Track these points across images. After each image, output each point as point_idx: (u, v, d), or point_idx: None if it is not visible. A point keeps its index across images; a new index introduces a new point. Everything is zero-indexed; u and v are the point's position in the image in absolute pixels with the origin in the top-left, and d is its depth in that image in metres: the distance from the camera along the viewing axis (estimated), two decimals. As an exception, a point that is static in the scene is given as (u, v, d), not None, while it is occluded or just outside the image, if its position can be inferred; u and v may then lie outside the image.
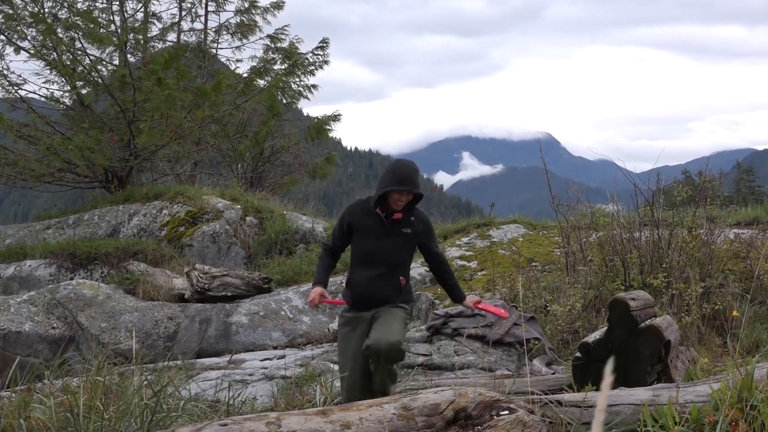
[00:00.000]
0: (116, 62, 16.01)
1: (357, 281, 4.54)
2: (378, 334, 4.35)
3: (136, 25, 16.28)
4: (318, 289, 4.53)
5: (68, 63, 14.41)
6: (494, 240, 11.66)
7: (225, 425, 3.22)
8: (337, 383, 5.40)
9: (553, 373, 6.19)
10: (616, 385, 4.60)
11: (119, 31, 15.59)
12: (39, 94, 15.36)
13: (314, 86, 18.90)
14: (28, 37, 14.54)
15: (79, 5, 15.28)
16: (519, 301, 7.87)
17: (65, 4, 14.80)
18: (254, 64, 18.31)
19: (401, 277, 4.58)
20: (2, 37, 14.71)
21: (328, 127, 19.28)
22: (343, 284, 4.74)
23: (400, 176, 4.42)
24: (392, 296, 4.51)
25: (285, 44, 18.47)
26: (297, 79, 18.48)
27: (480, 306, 4.94)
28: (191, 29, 19.54)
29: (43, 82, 15.20)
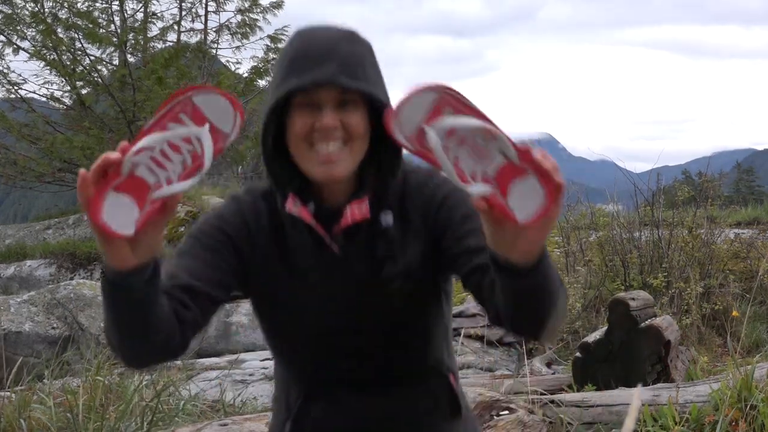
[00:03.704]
0: (116, 62, 16.00)
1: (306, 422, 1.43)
2: None
3: (136, 25, 16.27)
4: None
5: (68, 63, 14.42)
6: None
7: (225, 425, 3.23)
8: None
9: (553, 373, 6.20)
10: (616, 385, 4.60)
11: (119, 31, 15.58)
12: (39, 94, 15.38)
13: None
14: (28, 37, 14.55)
15: (79, 5, 15.28)
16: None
17: (65, 4, 14.80)
18: (255, 64, 18.31)
19: (438, 384, 1.44)
20: (2, 37, 14.72)
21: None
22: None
23: (304, 55, 1.28)
24: None
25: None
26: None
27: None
28: (191, 29, 19.51)
29: (43, 83, 15.23)
